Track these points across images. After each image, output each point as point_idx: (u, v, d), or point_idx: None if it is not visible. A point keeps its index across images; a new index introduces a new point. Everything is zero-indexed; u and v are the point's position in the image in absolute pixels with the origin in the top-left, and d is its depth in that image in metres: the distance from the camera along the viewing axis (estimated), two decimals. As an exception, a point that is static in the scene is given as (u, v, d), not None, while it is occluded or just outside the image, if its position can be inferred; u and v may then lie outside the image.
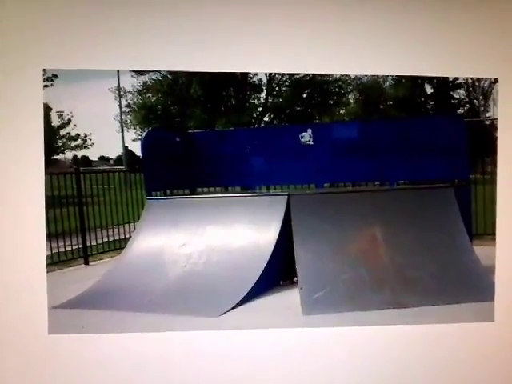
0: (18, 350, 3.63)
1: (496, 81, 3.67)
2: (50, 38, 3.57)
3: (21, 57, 3.54)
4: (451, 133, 6.93)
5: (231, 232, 6.27)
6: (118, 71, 11.03)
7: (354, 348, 3.75)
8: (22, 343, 3.63)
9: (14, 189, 3.57)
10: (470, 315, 4.40)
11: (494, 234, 3.73)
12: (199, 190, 8.51)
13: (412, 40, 3.71)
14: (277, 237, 6.01)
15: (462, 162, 6.86)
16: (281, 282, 6.09)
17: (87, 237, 8.32)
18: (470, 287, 5.35)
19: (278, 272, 6.07)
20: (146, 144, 7.47)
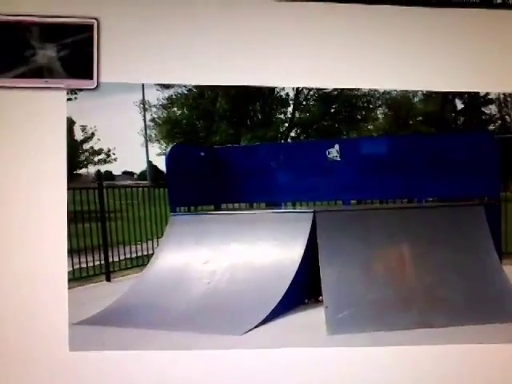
0: (39, 366, 3.61)
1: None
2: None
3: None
4: (482, 149, 6.81)
5: (256, 249, 6.18)
6: (143, 85, 11.06)
7: (379, 368, 3.67)
8: (42, 360, 3.61)
9: (37, 203, 3.57)
10: (499, 336, 4.29)
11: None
12: (224, 205, 8.46)
13: (443, 55, 3.66)
14: (302, 254, 5.90)
15: (493, 180, 6.75)
16: (306, 301, 5.97)
17: (109, 253, 8.27)
18: (499, 307, 5.23)
19: (303, 290, 5.96)
20: (170, 159, 7.47)
